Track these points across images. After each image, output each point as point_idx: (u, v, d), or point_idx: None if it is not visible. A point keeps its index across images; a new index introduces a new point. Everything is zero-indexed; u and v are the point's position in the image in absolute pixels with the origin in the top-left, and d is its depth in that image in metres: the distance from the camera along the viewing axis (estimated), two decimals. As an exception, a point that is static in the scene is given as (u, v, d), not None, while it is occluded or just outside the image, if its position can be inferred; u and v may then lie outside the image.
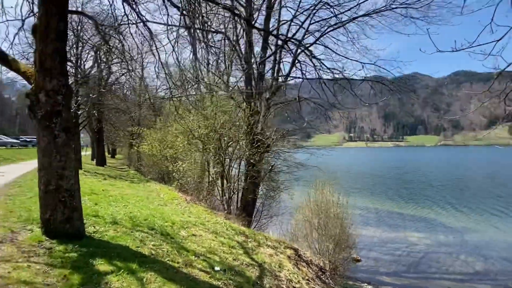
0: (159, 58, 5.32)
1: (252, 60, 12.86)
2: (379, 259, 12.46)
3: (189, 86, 12.90)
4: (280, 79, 13.58)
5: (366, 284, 9.20)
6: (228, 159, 12.42)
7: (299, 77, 13.91)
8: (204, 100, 12.53)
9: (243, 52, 13.06)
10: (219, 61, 14.88)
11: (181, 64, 7.23)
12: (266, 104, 12.80)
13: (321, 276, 6.53)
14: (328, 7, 11.67)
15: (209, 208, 11.32)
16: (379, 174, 45.76)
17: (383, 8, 11.44)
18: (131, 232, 4.98)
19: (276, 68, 13.71)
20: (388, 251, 13.28)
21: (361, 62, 11.69)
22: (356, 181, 34.77)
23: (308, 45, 12.26)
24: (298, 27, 13.02)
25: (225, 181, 12.34)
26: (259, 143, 12.02)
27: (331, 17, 12.05)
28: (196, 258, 4.76)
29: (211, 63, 14.59)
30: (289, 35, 12.31)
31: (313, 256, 6.97)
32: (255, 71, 12.83)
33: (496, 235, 15.09)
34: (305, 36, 12.83)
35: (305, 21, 12.65)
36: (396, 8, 11.17)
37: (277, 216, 13.18)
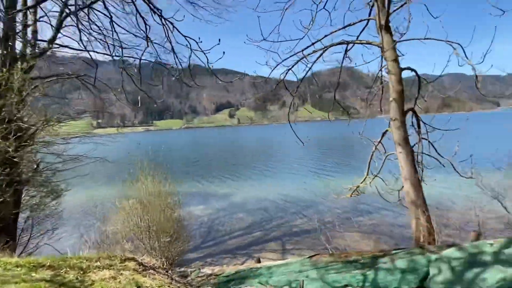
0: None
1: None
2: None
3: None
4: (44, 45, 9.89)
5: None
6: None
7: (64, 46, 10.85)
8: None
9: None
10: None
11: None
12: (22, 78, 8.99)
13: (173, 276, 5.81)
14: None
15: None
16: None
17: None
18: None
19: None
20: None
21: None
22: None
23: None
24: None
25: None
26: (18, 133, 8.34)
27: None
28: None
29: None
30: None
31: (151, 259, 6.00)
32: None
33: (251, 192, 20.27)
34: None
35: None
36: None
37: (65, 227, 9.87)
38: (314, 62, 8.35)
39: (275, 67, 8.78)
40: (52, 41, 10.32)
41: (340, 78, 9.55)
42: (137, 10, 3.96)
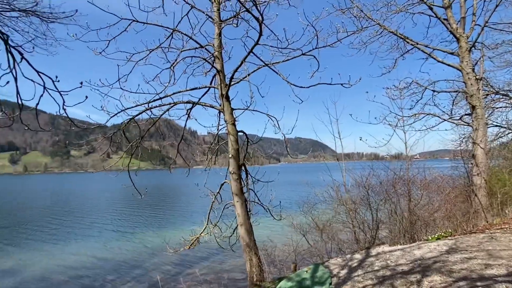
0: None
1: None
2: None
3: None
4: None
5: None
6: None
7: None
8: None
9: None
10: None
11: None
12: None
13: None
14: None
15: None
16: None
17: None
18: None
19: None
20: None
21: None
22: None
23: None
24: None
25: None
26: None
27: None
28: None
29: None
30: None
31: None
32: None
33: (53, 261, 15.68)
34: None
35: None
36: None
37: None
38: (162, 115, 8.55)
39: (116, 114, 8.25)
40: None
41: (158, 129, 10.09)
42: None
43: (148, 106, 8.51)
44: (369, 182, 10.10)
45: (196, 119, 9.77)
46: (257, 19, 6.21)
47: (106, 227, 24.92)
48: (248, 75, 8.21)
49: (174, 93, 8.27)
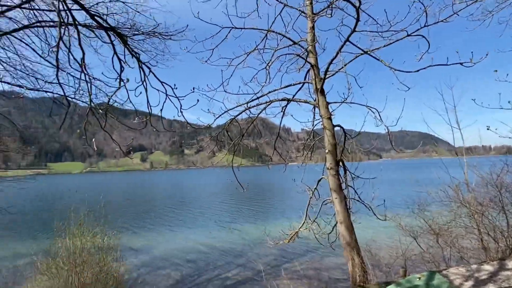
0: None
1: None
2: None
3: None
4: None
5: None
6: None
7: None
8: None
9: None
10: None
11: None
12: None
13: None
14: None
15: None
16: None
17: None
18: None
19: None
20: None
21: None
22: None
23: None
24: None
25: None
26: None
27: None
28: None
29: None
30: None
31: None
32: None
33: (172, 244, 18.61)
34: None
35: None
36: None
37: None
38: (259, 113, 9.00)
39: (221, 114, 9.09)
40: None
41: (256, 127, 10.42)
42: (114, 51, 3.78)
43: (247, 106, 9.09)
44: (502, 180, 8.23)
45: (292, 115, 9.89)
46: (353, 4, 5.85)
47: (212, 217, 27.85)
48: (345, 65, 7.82)
49: (270, 92, 8.56)
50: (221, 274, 13.21)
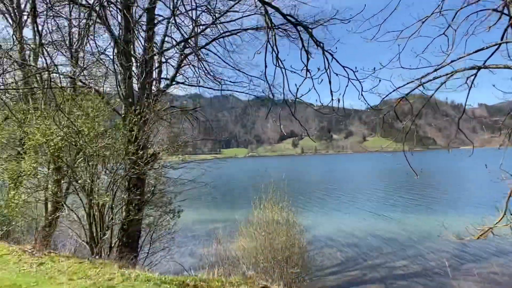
0: None
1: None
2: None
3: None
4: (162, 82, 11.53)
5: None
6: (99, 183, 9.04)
7: (181, 82, 12.43)
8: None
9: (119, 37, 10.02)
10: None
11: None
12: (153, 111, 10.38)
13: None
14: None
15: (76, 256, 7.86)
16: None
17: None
18: None
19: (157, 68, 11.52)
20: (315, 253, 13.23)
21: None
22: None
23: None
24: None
25: (96, 213, 8.86)
26: (147, 159, 9.54)
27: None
28: None
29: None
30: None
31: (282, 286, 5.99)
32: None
33: (334, 226, 19.31)
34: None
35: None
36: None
37: (178, 247, 10.71)
38: (437, 88, 7.84)
39: (388, 94, 8.49)
40: (173, 79, 11.92)
41: (414, 106, 8.79)
42: (302, 44, 4.26)
43: (420, 82, 8.09)
44: None
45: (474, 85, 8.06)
46: None
47: (366, 204, 26.69)
48: None
49: (452, 61, 7.27)
50: (388, 262, 12.65)
